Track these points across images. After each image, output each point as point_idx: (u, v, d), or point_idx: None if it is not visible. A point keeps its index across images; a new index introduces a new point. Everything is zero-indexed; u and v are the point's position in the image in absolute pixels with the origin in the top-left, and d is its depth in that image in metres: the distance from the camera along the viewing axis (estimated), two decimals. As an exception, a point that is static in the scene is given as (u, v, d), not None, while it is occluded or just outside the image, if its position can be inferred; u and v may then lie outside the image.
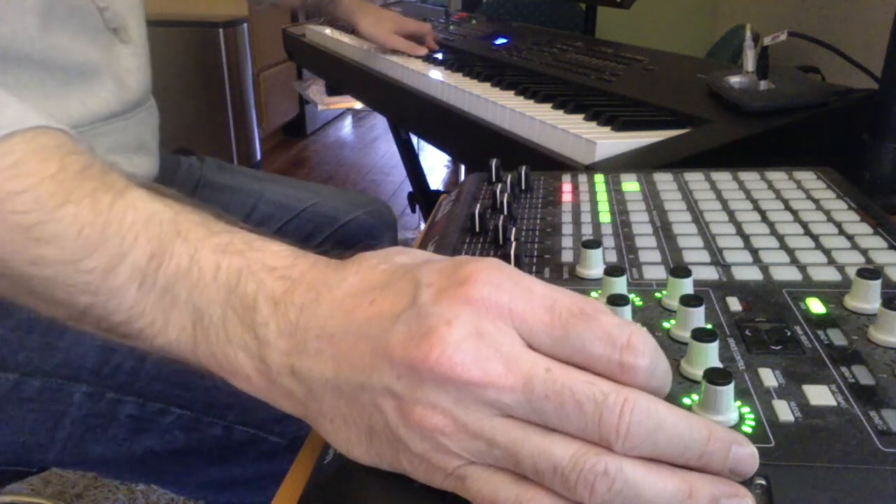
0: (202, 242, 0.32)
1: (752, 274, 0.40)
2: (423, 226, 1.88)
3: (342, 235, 0.92)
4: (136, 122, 0.72)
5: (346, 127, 4.01)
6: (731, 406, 0.28)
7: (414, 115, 1.14)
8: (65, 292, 0.32)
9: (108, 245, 0.31)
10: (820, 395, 0.29)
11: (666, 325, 0.35)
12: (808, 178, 0.54)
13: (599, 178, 0.57)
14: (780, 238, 0.44)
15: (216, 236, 0.32)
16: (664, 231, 0.47)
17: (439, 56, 1.20)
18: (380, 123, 3.82)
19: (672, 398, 0.29)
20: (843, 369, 0.31)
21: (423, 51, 1.22)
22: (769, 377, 0.31)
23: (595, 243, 0.41)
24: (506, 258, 0.41)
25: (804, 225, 0.46)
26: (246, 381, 0.31)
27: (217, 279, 0.31)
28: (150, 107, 0.77)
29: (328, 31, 1.63)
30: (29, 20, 0.58)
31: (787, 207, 0.49)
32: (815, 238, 0.44)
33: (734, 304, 0.37)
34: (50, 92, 0.61)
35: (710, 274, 0.40)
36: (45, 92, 0.61)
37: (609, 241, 0.45)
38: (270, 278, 0.31)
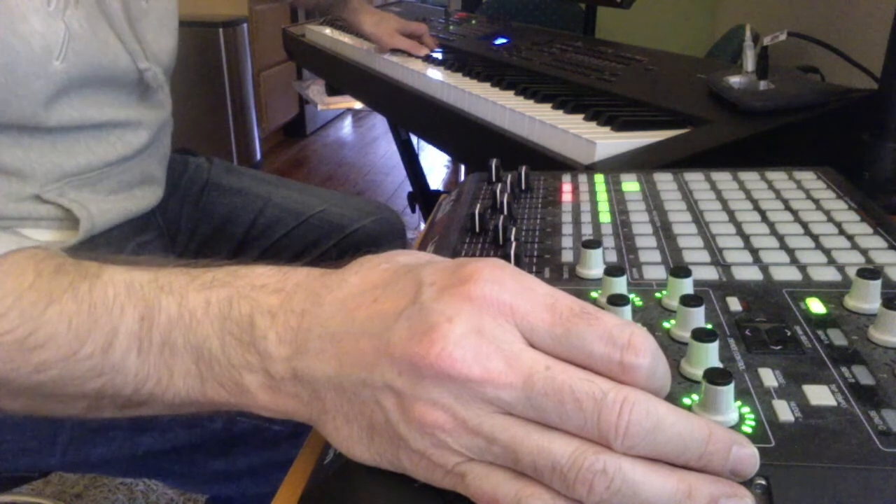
0: (186, 288, 0.32)
1: (752, 274, 0.40)
2: (423, 226, 1.88)
3: (349, 243, 0.91)
4: (144, 157, 0.72)
5: (346, 127, 4.01)
6: (731, 406, 0.28)
7: (414, 115, 1.14)
8: (74, 386, 0.32)
9: (98, 326, 0.32)
10: (820, 395, 0.29)
11: (666, 325, 0.35)
12: (808, 178, 0.54)
13: (599, 178, 0.57)
14: (780, 238, 0.44)
15: (198, 278, 0.33)
16: (664, 231, 0.47)
17: (439, 56, 1.20)
18: (380, 123, 3.82)
19: (672, 398, 0.29)
20: (843, 369, 0.31)
21: (426, 50, 1.23)
22: (769, 377, 0.31)
23: (595, 243, 0.41)
24: (506, 258, 0.41)
25: (804, 225, 0.46)
26: (254, 401, 0.31)
27: (209, 313, 0.31)
28: (163, 134, 0.76)
29: (328, 31, 1.63)
30: (39, 100, 0.58)
31: (787, 207, 0.49)
32: (815, 238, 0.44)
33: (734, 304, 0.37)
34: (57, 140, 0.62)
35: (710, 274, 0.40)
36: (53, 141, 0.61)
37: (609, 241, 0.45)
38: (262, 295, 0.31)
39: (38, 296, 0.32)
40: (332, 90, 2.25)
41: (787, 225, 0.46)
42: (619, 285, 0.36)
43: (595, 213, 0.50)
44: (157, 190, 0.77)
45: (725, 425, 0.27)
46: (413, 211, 2.19)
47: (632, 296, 0.37)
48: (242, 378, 0.30)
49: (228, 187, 0.91)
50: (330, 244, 0.91)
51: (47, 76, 0.57)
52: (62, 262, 0.34)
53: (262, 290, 0.31)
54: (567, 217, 0.50)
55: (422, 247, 0.50)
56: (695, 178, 0.56)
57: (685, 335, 0.33)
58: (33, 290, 0.32)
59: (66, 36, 0.57)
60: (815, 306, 0.36)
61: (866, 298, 0.35)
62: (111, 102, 0.65)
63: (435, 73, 1.08)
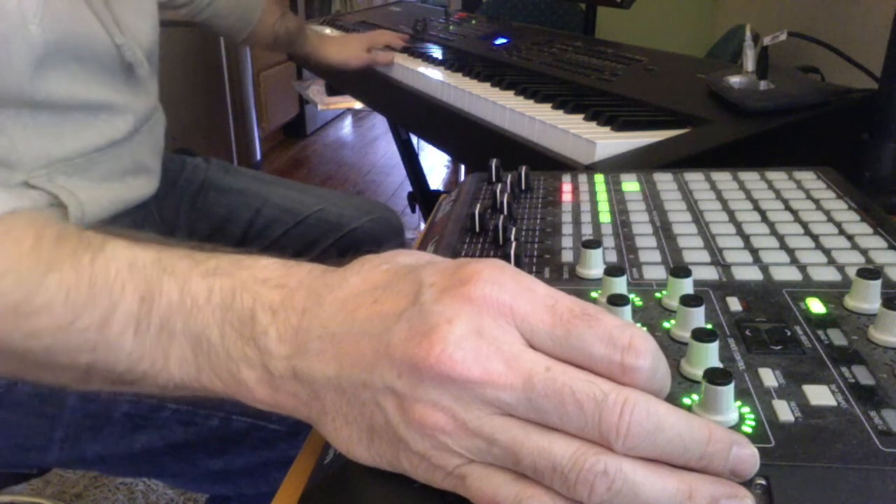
0: (189, 273, 0.32)
1: (752, 274, 0.40)
2: (423, 226, 1.88)
3: (347, 243, 0.92)
4: (135, 145, 0.72)
5: (346, 127, 4.01)
6: (731, 406, 0.28)
7: (414, 115, 1.14)
8: (66, 356, 0.32)
9: (97, 301, 0.31)
10: (820, 395, 0.29)
11: (666, 325, 0.35)
12: (808, 178, 0.54)
13: (599, 178, 0.57)
14: (780, 238, 0.44)
15: (202, 264, 0.33)
16: (664, 231, 0.47)
17: (439, 56, 1.20)
18: (380, 123, 3.82)
19: (672, 398, 0.29)
20: (843, 369, 0.31)
21: (391, 56, 1.22)
22: (769, 377, 0.31)
23: (595, 243, 0.41)
24: (506, 258, 0.41)
25: (804, 225, 0.46)
26: (251, 395, 0.31)
27: (211, 302, 0.31)
28: (153, 123, 0.76)
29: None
30: (21, 69, 0.57)
31: (787, 207, 0.49)
32: (815, 238, 0.44)
33: (734, 304, 0.37)
34: (43, 124, 0.61)
35: (710, 274, 0.40)
36: (38, 126, 0.61)
37: (609, 241, 0.45)
38: (265, 289, 0.31)
39: (36, 261, 0.32)
40: (332, 90, 2.25)
41: (787, 225, 0.46)
42: (619, 285, 0.36)
43: (595, 213, 0.50)
44: (152, 180, 0.76)
45: (725, 425, 0.27)
46: (413, 211, 2.19)
47: (632, 296, 0.37)
48: (240, 372, 0.30)
49: (226, 187, 0.91)
50: (328, 243, 0.91)
51: (26, 41, 0.57)
52: (64, 229, 0.34)
53: (265, 284, 0.31)
54: (567, 217, 0.50)
55: (422, 247, 0.50)
56: (695, 178, 0.56)
57: (685, 335, 0.33)
58: (33, 255, 0.32)
59: (40, 2, 0.57)
60: (815, 306, 0.36)
61: (866, 298, 0.35)
62: (96, 81, 0.65)
63: (435, 73, 1.08)
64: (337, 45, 1.26)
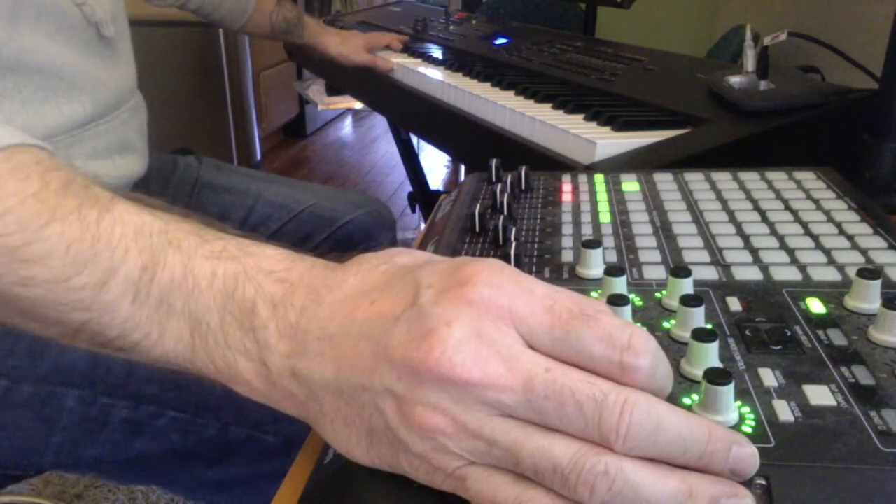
0: (195, 250, 0.32)
1: (752, 274, 0.40)
2: (423, 226, 1.88)
3: (340, 236, 0.92)
4: (119, 123, 0.72)
5: (346, 127, 4.01)
6: (731, 406, 0.28)
7: (414, 115, 1.14)
8: (56, 311, 0.31)
9: (98, 261, 0.31)
10: (820, 395, 0.29)
11: (666, 325, 0.35)
12: (808, 178, 0.54)
13: (599, 178, 0.57)
14: (780, 238, 0.44)
15: (209, 244, 0.32)
16: (664, 231, 0.47)
17: (439, 56, 1.20)
18: (380, 123, 3.82)
19: (672, 398, 0.29)
20: (843, 369, 0.31)
21: (391, 65, 1.21)
22: (769, 377, 0.31)
23: (595, 243, 0.41)
24: (506, 258, 0.41)
25: (804, 225, 0.46)
26: (246, 386, 0.31)
27: (213, 286, 0.31)
28: (134, 104, 0.76)
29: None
30: None
31: (787, 207, 0.49)
32: (815, 238, 0.44)
33: (734, 304, 0.37)
34: (27, 98, 0.61)
35: (710, 274, 0.40)
36: (22, 99, 0.60)
37: (609, 241, 0.45)
38: (268, 281, 0.31)
39: (41, 208, 0.30)
40: (332, 90, 2.25)
41: (787, 225, 0.46)
42: (619, 285, 0.36)
43: (595, 213, 0.50)
44: (140, 159, 0.76)
45: (725, 425, 0.27)
46: (413, 211, 2.19)
47: (632, 296, 0.37)
48: (237, 362, 0.30)
49: (219, 185, 0.91)
50: (322, 237, 0.92)
51: None
52: (71, 179, 0.33)
53: (269, 276, 0.31)
54: (567, 217, 0.50)
55: (422, 247, 0.50)
56: (695, 178, 0.56)
57: (685, 335, 0.33)
58: (37, 200, 0.31)
59: None
60: (815, 306, 0.36)
61: (866, 298, 0.35)
62: (70, 45, 0.65)
63: (435, 73, 1.08)
64: (338, 38, 1.26)
